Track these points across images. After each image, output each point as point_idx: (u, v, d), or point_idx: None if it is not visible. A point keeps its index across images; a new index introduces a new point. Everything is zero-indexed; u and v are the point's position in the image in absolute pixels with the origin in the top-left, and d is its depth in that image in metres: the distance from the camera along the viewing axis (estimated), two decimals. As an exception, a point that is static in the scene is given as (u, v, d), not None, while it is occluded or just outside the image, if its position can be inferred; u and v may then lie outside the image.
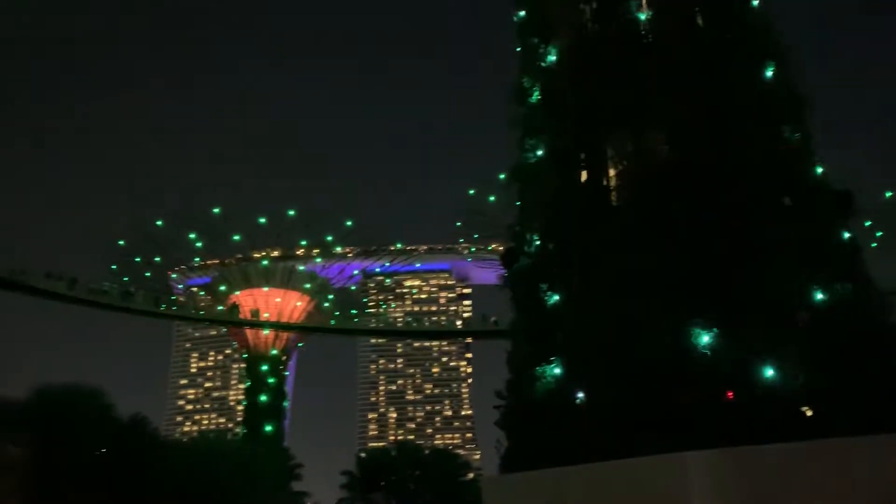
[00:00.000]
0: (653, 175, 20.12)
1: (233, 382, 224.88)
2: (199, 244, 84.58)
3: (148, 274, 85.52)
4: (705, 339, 17.31)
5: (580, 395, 19.22)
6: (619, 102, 21.20)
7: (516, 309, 23.98)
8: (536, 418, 20.18)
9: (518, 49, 26.72)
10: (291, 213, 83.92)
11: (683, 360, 17.16)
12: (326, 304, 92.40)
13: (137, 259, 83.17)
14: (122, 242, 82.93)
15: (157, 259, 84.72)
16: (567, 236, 21.64)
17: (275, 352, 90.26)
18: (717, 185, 18.99)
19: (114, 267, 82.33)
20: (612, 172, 22.31)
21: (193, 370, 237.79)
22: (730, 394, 17.01)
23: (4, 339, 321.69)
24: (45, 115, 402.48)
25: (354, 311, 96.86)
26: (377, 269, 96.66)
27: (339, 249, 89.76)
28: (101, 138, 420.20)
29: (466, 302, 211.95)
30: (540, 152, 23.87)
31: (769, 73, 21.90)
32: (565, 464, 18.18)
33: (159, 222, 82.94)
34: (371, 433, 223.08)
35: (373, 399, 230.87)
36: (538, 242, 23.41)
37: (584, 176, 22.75)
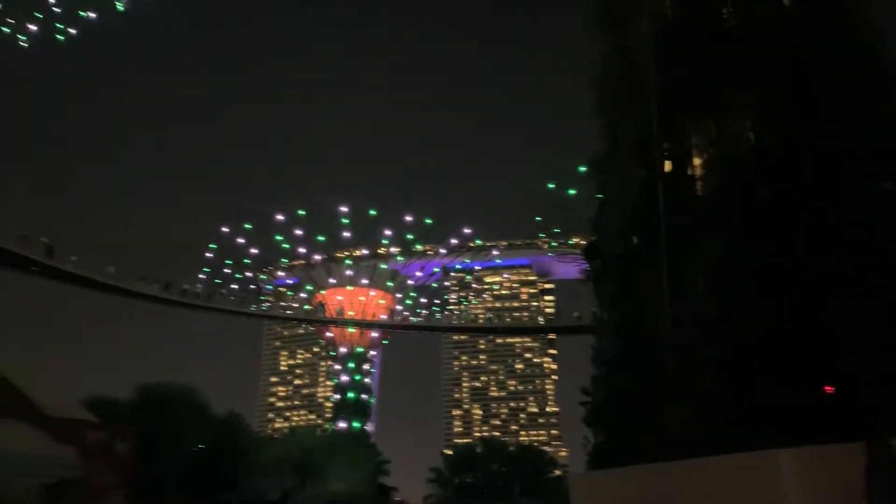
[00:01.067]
0: (740, 163, 19.36)
1: (321, 380, 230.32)
2: (285, 245, 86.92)
3: (238, 276, 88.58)
4: (799, 330, 16.52)
5: (671, 389, 18.69)
6: (703, 89, 20.50)
7: (601, 303, 23.56)
8: (625, 414, 19.76)
9: (596, 37, 26.20)
10: (373, 212, 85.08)
11: (778, 353, 16.43)
12: (408, 302, 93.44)
13: (228, 262, 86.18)
14: (213, 245, 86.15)
15: (247, 261, 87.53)
16: (652, 228, 21.08)
17: (360, 349, 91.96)
18: (807, 171, 18.11)
19: (206, 270, 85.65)
20: (697, 161, 21.63)
21: (283, 368, 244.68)
22: (828, 388, 16.19)
23: (104, 341, 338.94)
24: (133, 112, 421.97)
25: (436, 308, 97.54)
26: (457, 266, 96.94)
27: (419, 247, 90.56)
28: (193, 140, 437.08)
29: (548, 297, 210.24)
30: (621, 143, 23.37)
31: (864, 52, 20.73)
32: (655, 461, 17.73)
33: (248, 225, 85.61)
34: (456, 429, 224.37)
35: (457, 395, 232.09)
36: (622, 235, 22.91)
37: (668, 166, 22.13)
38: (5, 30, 61.25)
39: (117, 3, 60.52)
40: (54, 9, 59.18)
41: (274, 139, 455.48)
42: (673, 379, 18.76)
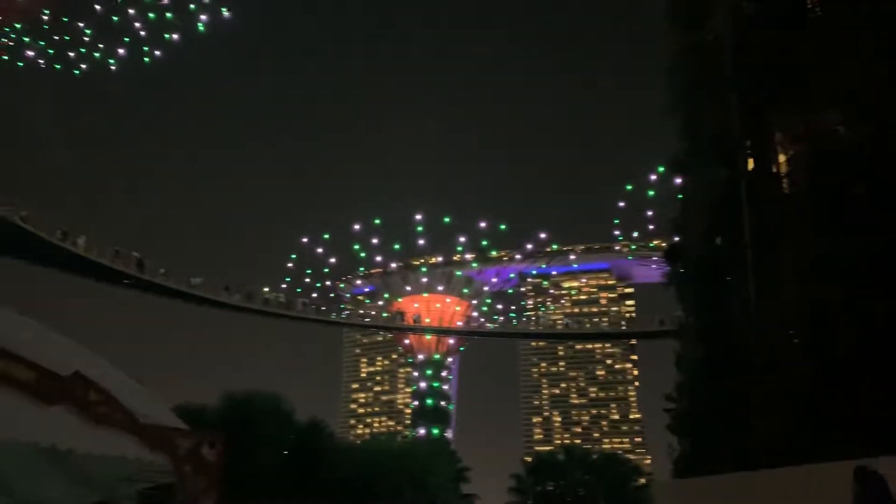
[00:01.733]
0: (831, 157, 18.47)
1: (400, 386, 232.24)
2: (362, 254, 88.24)
3: (318, 285, 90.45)
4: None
5: (761, 396, 17.97)
6: (786, 82, 19.71)
7: (684, 307, 22.94)
8: (712, 422, 19.12)
9: (668, 33, 25.60)
10: (447, 219, 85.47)
11: (878, 354, 15.56)
12: (485, 308, 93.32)
13: (308, 271, 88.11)
14: (293, 256, 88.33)
15: (326, 270, 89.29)
16: (737, 228, 20.38)
17: (437, 356, 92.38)
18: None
19: (287, 279, 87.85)
20: (782, 158, 20.81)
21: (363, 375, 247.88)
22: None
23: (192, 350, 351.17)
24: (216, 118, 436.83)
25: (513, 314, 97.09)
26: (533, 272, 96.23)
27: (494, 253, 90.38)
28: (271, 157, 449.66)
29: (629, 302, 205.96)
30: (700, 141, 22.72)
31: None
32: (744, 469, 17.07)
33: (326, 235, 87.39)
34: (536, 437, 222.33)
35: (536, 403, 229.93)
36: (705, 236, 22.24)
37: (751, 163, 21.38)
38: (96, 55, 64.54)
39: (199, 24, 62.86)
40: (141, 33, 62.04)
41: (347, 149, 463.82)
42: (763, 385, 18.04)
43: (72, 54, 64.32)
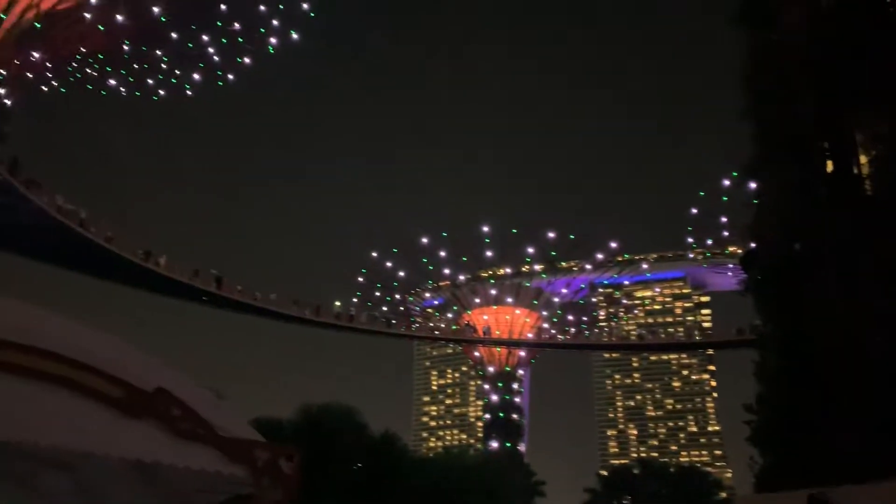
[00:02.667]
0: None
1: (471, 399, 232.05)
2: (431, 267, 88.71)
3: (388, 298, 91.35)
4: None
5: (847, 407, 17.22)
6: (866, 80, 18.95)
7: (763, 315, 22.20)
8: (795, 434, 18.41)
9: (741, 33, 24.94)
10: (515, 230, 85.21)
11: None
12: (556, 320, 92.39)
13: (378, 285, 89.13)
14: (364, 271, 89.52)
15: (395, 283, 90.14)
16: (816, 233, 19.65)
17: (508, 368, 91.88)
18: None
19: (358, 294, 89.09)
20: (864, 159, 19.99)
21: (434, 388, 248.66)
22: None
23: (267, 363, 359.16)
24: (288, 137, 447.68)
25: (585, 325, 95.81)
26: (605, 282, 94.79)
27: (564, 263, 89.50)
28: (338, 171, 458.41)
29: (705, 311, 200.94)
30: (776, 144, 22.02)
31: None
32: (831, 483, 16.36)
33: (395, 249, 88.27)
34: (611, 450, 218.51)
35: (611, 415, 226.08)
36: (782, 242, 21.51)
37: (829, 166, 20.61)
38: (173, 81, 67.25)
39: (269, 47, 64.75)
40: (214, 58, 64.28)
41: (416, 164, 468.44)
42: (849, 396, 17.29)
43: (150, 81, 67.20)
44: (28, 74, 54.75)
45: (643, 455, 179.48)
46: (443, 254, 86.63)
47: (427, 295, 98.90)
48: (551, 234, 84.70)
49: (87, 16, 54.43)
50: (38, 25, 52.04)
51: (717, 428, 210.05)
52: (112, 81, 66.32)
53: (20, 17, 50.12)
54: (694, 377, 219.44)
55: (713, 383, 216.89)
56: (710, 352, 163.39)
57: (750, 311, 24.01)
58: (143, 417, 8.29)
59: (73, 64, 63.25)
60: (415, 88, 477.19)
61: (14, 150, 49.85)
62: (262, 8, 59.71)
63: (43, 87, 63.32)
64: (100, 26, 55.70)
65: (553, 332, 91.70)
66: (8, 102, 51.35)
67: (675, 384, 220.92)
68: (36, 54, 53.22)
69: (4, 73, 50.28)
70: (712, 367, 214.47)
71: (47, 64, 58.12)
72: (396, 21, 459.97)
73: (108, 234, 57.44)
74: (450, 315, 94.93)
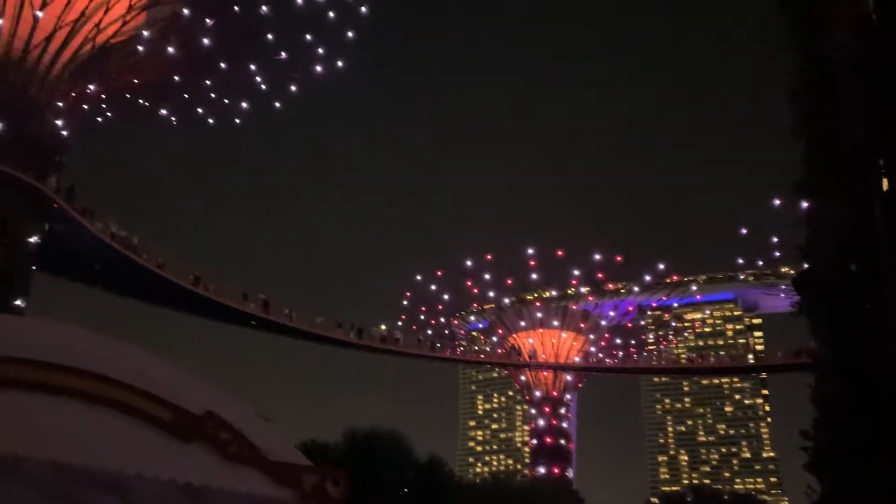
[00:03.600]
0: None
1: (518, 424, 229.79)
2: (475, 291, 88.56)
3: (433, 321, 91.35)
4: None
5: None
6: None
7: (818, 338, 21.55)
8: (854, 461, 17.74)
9: (789, 50, 24.54)
10: (560, 252, 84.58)
11: None
12: (602, 343, 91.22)
13: (422, 308, 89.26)
14: (408, 294, 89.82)
15: (440, 307, 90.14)
16: (872, 252, 19.05)
17: (555, 393, 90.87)
18: None
19: (402, 317, 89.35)
20: (922, 175, 19.37)
21: (480, 412, 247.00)
22: None
23: (314, 386, 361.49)
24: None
25: (633, 349, 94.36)
26: (653, 304, 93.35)
27: (611, 286, 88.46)
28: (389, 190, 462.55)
29: (757, 333, 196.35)
30: (828, 162, 21.50)
31: None
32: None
33: (438, 272, 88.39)
34: (662, 476, 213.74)
35: (661, 440, 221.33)
36: (837, 262, 20.90)
37: (885, 184, 20.01)
38: (221, 109, 68.94)
39: (314, 74, 65.90)
40: (262, 86, 65.74)
41: (459, 188, 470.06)
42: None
43: (200, 110, 68.95)
44: (83, 106, 56.66)
45: (695, 481, 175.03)
46: (487, 277, 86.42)
47: (472, 318, 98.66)
48: (597, 256, 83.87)
49: (140, 48, 56.27)
50: (94, 59, 53.97)
51: (772, 454, 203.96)
52: (163, 111, 68.28)
53: (77, 51, 52.05)
54: (747, 401, 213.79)
55: (767, 408, 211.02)
56: (764, 376, 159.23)
57: (804, 334, 23.33)
58: (192, 440, 8.40)
59: (127, 95, 65.37)
60: (462, 111, 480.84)
61: (70, 179, 51.57)
62: (307, 37, 60.93)
63: (97, 118, 65.50)
64: (152, 58, 57.51)
65: (600, 355, 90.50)
66: (64, 133, 53.17)
67: (728, 409, 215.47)
68: (91, 86, 55.10)
69: (61, 105, 52.14)
70: (766, 392, 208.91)
71: (102, 95, 60.14)
72: (445, 44, 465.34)
73: (160, 260, 58.78)
74: (495, 338, 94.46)
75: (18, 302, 48.51)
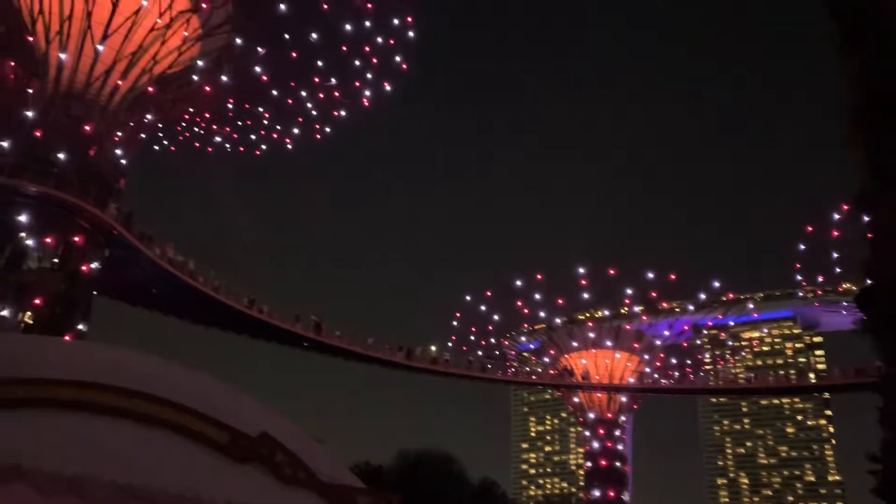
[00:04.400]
0: None
1: (571, 446, 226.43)
2: (526, 311, 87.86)
3: (483, 342, 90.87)
4: None
5: None
6: None
7: (884, 357, 20.76)
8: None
9: (844, 60, 23.93)
10: (612, 271, 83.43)
11: None
12: (657, 363, 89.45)
13: (478, 328, 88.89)
14: (458, 314, 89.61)
15: (490, 327, 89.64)
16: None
17: (609, 414, 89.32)
18: None
19: (453, 338, 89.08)
20: None
21: (532, 434, 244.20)
22: None
23: (361, 407, 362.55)
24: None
25: (689, 369, 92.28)
26: (709, 323, 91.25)
27: (665, 305, 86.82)
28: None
29: (818, 352, 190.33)
30: (890, 174, 20.82)
31: None
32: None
33: (488, 293, 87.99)
34: (722, 499, 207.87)
35: (720, 463, 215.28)
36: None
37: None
38: (273, 136, 70.45)
39: (364, 100, 66.86)
40: (312, 112, 66.91)
41: (509, 206, 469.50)
42: None
43: (253, 137, 70.55)
44: (141, 135, 58.48)
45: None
46: (538, 296, 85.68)
47: (523, 339, 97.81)
48: (650, 275, 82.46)
49: (195, 78, 57.94)
50: (151, 89, 55.74)
51: (837, 478, 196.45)
52: (217, 138, 70.02)
53: (135, 83, 53.84)
54: (810, 423, 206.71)
55: (831, 429, 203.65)
56: (827, 396, 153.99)
57: (869, 352, 22.52)
58: (248, 462, 8.45)
59: (182, 123, 67.30)
60: (514, 132, 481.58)
61: (128, 205, 53.08)
62: (356, 63, 61.89)
63: (154, 146, 67.44)
64: (206, 87, 59.13)
65: (656, 376, 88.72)
66: (123, 161, 54.88)
67: (789, 430, 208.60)
68: (148, 116, 56.87)
69: (120, 134, 53.87)
70: (829, 413, 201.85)
71: (158, 124, 61.99)
72: (495, 59, 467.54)
73: (216, 283, 59.91)
74: (546, 359, 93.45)
75: (80, 326, 49.92)
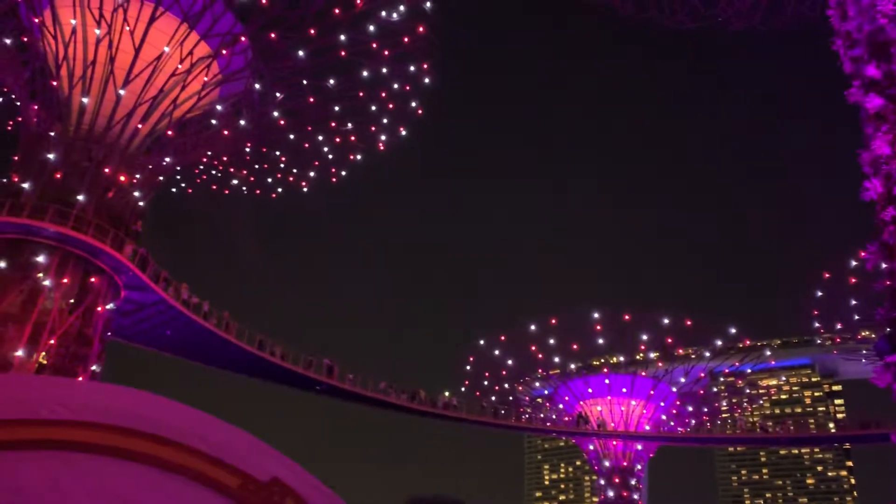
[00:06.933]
0: None
1: (586, 496, 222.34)
2: (540, 356, 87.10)
3: (496, 388, 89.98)
4: None
5: None
6: None
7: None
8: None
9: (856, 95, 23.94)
10: (627, 316, 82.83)
11: None
12: (674, 411, 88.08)
13: (492, 374, 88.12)
14: (471, 358, 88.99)
15: (504, 373, 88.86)
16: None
17: (625, 463, 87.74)
18: None
19: (465, 383, 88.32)
20: None
21: (547, 482, 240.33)
22: None
23: (371, 453, 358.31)
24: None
25: (706, 417, 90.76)
26: (726, 370, 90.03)
27: (681, 351, 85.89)
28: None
29: (838, 400, 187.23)
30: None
31: None
32: None
33: (502, 337, 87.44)
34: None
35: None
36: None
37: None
38: (290, 179, 71.18)
39: (379, 144, 67.58)
40: (329, 156, 67.67)
41: (522, 252, 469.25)
42: None
43: (269, 180, 71.29)
44: (159, 178, 59.24)
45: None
46: (552, 341, 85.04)
47: (536, 384, 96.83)
48: (666, 320, 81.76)
49: (214, 122, 58.85)
50: (171, 133, 56.64)
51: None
52: (234, 181, 70.78)
53: (155, 126, 54.75)
54: (830, 473, 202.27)
55: (853, 481, 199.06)
56: (848, 446, 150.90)
57: (890, 402, 22.01)
58: (257, 508, 8.27)
59: (200, 166, 68.14)
60: (538, 176, 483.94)
61: (145, 246, 53.48)
62: (373, 108, 62.72)
63: (172, 189, 68.19)
64: (225, 131, 60.02)
65: (672, 424, 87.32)
66: (141, 204, 55.49)
67: (809, 481, 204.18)
68: (167, 158, 57.67)
69: (139, 176, 54.59)
70: (850, 463, 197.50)
71: (177, 167, 62.80)
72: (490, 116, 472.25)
73: (228, 324, 59.94)
74: (561, 406, 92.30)
75: (94, 367, 49.92)
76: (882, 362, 22.41)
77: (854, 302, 71.24)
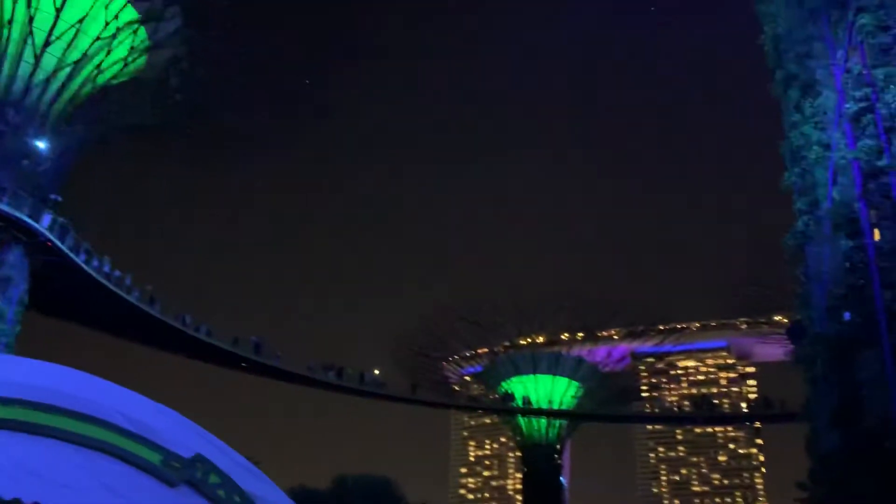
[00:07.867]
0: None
1: (510, 471, 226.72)
2: (468, 335, 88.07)
3: (425, 366, 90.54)
4: None
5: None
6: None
7: (813, 388, 21.47)
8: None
9: (782, 103, 25.04)
10: (552, 297, 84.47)
11: None
12: (596, 390, 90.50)
13: (418, 352, 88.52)
14: (398, 338, 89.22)
15: (430, 352, 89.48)
16: (866, 302, 19.09)
17: (548, 440, 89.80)
18: None
19: (393, 361, 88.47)
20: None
21: (472, 459, 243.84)
22: None
23: (298, 429, 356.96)
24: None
25: (626, 396, 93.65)
26: (647, 351, 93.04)
27: (604, 332, 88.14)
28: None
29: (750, 381, 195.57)
30: (823, 213, 21.70)
31: None
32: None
33: (430, 317, 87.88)
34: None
35: (655, 490, 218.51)
36: (832, 312, 20.92)
37: (877, 234, 20.18)
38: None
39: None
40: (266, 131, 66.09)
41: (448, 231, 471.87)
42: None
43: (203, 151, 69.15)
44: (83, 146, 56.91)
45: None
46: (480, 322, 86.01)
47: (463, 363, 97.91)
48: (589, 301, 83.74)
49: (141, 91, 56.77)
50: (94, 100, 54.39)
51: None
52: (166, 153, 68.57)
53: (77, 92, 52.51)
54: (741, 451, 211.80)
55: (762, 458, 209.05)
56: (758, 425, 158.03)
57: (799, 383, 23.26)
58: (179, 484, 8.23)
59: (128, 136, 65.66)
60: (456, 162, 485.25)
61: (70, 217, 51.39)
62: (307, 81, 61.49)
63: (98, 158, 65.56)
64: (153, 101, 57.92)
65: (594, 402, 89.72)
66: (62, 173, 53.29)
67: (722, 458, 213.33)
68: (92, 127, 55.43)
69: (60, 144, 52.40)
70: (760, 441, 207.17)
71: (103, 136, 60.41)
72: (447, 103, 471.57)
73: (151, 298, 58.40)
74: (487, 384, 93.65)
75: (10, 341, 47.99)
76: (793, 345, 23.62)
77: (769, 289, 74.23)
